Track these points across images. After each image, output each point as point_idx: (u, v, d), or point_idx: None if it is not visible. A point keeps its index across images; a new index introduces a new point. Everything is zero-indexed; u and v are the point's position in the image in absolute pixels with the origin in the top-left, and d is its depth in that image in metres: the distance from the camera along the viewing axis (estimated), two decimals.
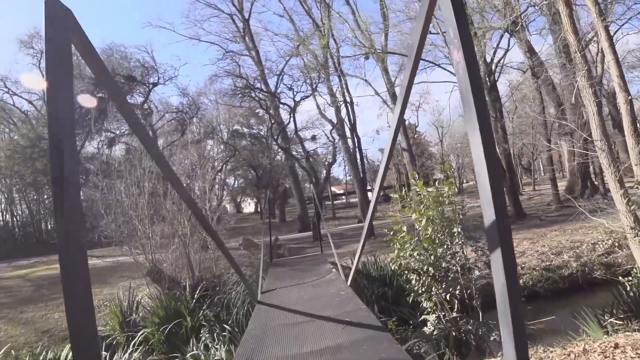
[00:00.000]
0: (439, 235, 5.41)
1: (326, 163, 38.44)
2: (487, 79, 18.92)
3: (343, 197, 57.33)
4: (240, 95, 25.67)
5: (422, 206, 5.46)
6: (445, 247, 5.42)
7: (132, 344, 8.82)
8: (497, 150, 19.38)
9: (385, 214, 35.25)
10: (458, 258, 5.34)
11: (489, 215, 1.40)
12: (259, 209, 48.51)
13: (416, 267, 5.58)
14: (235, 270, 5.17)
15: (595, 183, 21.68)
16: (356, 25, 21.40)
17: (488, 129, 1.39)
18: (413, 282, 5.76)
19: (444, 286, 5.24)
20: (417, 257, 5.57)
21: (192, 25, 36.73)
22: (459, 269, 5.29)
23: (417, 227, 5.63)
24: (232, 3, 26.40)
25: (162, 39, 76.62)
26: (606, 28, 6.71)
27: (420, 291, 5.59)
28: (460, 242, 5.35)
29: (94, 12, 56.69)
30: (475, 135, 1.40)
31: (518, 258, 11.59)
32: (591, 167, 22.24)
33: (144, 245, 10.75)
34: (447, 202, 5.28)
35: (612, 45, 6.68)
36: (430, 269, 5.40)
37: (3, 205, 36.22)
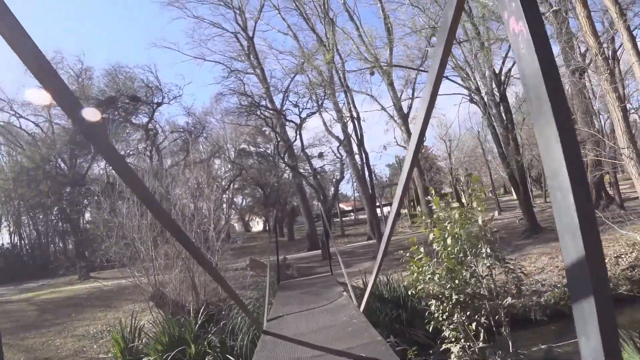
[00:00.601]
0: (464, 257, 4.92)
1: (334, 180, 38.09)
2: (497, 89, 18.53)
3: (351, 213, 56.79)
4: (245, 113, 25.46)
5: (446, 223, 4.92)
6: (471, 269, 4.93)
7: None
8: (510, 163, 18.95)
9: (395, 230, 34.88)
10: (485, 281, 4.85)
11: (569, 227, 1.00)
12: (267, 228, 48.08)
13: (436, 292, 5.08)
14: (236, 302, 4.75)
15: (611, 194, 21.03)
16: (360, 41, 21.21)
17: (567, 122, 1.00)
18: (432, 308, 5.25)
19: (468, 313, 4.76)
20: (438, 281, 5.08)
21: (196, 45, 36.70)
22: (486, 293, 4.80)
23: (436, 247, 5.12)
24: (236, 22, 26.42)
25: (167, 58, 77.38)
26: (628, 28, 6.31)
27: (440, 318, 5.10)
28: (488, 264, 4.84)
29: (99, 35, 57.36)
30: (550, 131, 1.01)
31: (537, 274, 11.04)
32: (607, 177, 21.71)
33: (147, 269, 10.36)
34: (478, 220, 4.72)
35: (635, 47, 6.27)
36: (453, 293, 4.91)
37: (12, 228, 36.17)
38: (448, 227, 4.68)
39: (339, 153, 26.56)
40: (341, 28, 21.60)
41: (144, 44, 64.74)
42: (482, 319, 4.72)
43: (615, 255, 10.84)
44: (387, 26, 21.99)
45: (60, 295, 16.67)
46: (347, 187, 76.46)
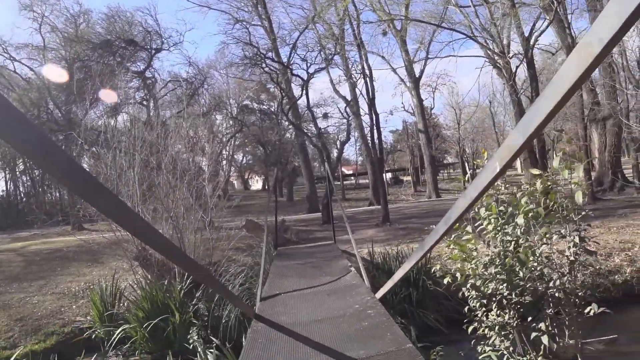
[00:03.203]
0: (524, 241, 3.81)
1: (338, 142, 37.03)
2: (525, 55, 17.16)
3: (352, 177, 56.06)
4: (250, 65, 24.04)
5: (519, 195, 3.64)
6: (542, 261, 3.83)
7: (110, 343, 7.61)
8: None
9: (398, 198, 34.03)
10: (566, 278, 3.72)
11: None
12: (266, 187, 47.41)
13: (489, 291, 3.94)
14: (222, 293, 3.79)
15: (629, 177, 19.80)
16: None
17: None
18: (474, 303, 4.15)
19: (530, 319, 3.68)
20: (497, 276, 3.93)
21: None
22: (562, 296, 3.70)
23: (488, 226, 3.92)
24: None
25: (171, 4, 74.02)
26: None
27: (491, 323, 4.01)
28: (573, 251, 3.62)
29: None
30: None
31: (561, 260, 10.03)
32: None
33: None
34: (578, 195, 3.34)
35: None
36: (513, 294, 3.76)
37: (7, 176, 35.52)
38: (522, 202, 3.48)
39: (346, 113, 25.32)
40: None
41: None
42: (547, 325, 3.63)
43: None
44: None
45: (50, 247, 15.88)
46: (349, 151, 75.51)
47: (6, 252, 15.63)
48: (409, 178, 43.43)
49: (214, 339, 5.73)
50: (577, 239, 3.44)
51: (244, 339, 5.21)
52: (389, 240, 12.41)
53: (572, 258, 3.45)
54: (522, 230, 3.54)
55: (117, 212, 1.44)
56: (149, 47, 26.36)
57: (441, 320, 7.58)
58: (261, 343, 3.42)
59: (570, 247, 3.48)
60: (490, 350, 3.97)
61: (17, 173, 35.61)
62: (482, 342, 4.15)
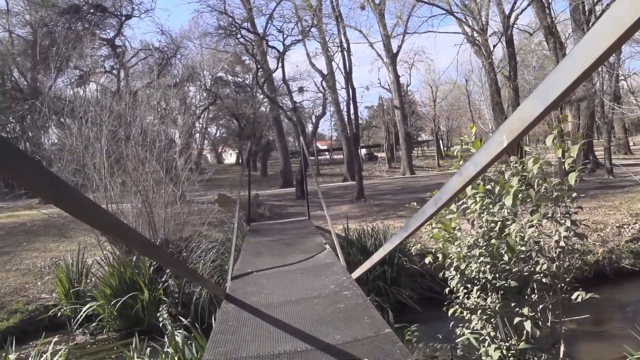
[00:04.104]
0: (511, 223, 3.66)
1: (313, 117, 36.72)
2: (505, 33, 17.06)
3: (327, 153, 55.97)
4: (225, 36, 23.30)
5: (509, 176, 3.41)
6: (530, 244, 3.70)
7: (76, 321, 7.38)
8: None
9: (372, 174, 34.08)
10: (555, 263, 3.58)
11: None
12: (240, 161, 46.91)
13: (473, 274, 3.79)
14: (188, 276, 3.58)
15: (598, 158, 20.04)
16: None
17: None
18: (454, 284, 3.98)
19: (512, 305, 3.54)
20: (482, 258, 3.81)
21: None
22: (548, 281, 3.57)
23: (473, 205, 3.73)
24: None
25: None
26: None
27: (472, 306, 3.88)
28: (565, 234, 3.47)
29: None
30: None
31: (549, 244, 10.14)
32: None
33: (99, 199, 9.08)
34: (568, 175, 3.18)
35: None
36: (498, 278, 3.63)
37: None
38: (513, 183, 3.29)
39: (322, 87, 24.95)
40: None
41: None
42: (529, 311, 3.51)
43: (617, 224, 9.94)
44: None
45: (16, 220, 15.31)
46: (324, 126, 75.14)
47: None
48: (384, 154, 43.50)
49: (182, 319, 5.53)
50: (568, 223, 3.33)
51: (213, 319, 5.06)
52: (363, 216, 12.34)
53: (561, 243, 3.34)
54: (509, 211, 3.42)
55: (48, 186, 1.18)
56: (118, 12, 25.28)
57: (415, 297, 7.57)
58: (231, 326, 3.25)
59: (559, 231, 3.36)
60: (469, 332, 3.88)
61: None
62: (461, 325, 4.06)
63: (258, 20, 23.99)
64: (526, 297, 3.63)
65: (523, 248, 3.54)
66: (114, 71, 26.14)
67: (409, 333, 5.14)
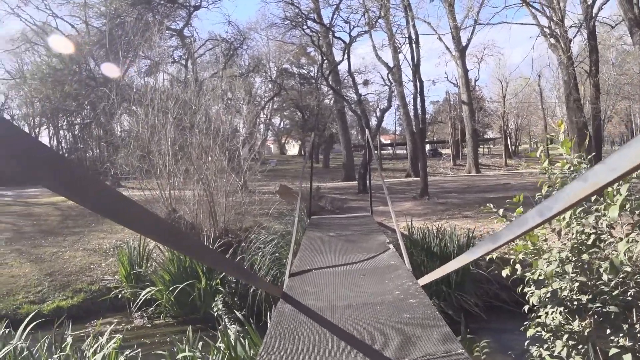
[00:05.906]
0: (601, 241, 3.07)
1: (378, 109, 36.10)
2: (587, 24, 15.79)
3: (390, 147, 55.06)
4: (290, 27, 23.29)
5: (622, 186, 2.80)
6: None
7: (135, 304, 7.44)
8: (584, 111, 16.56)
9: (436, 171, 33.09)
10: None
11: None
12: (302, 152, 47.08)
13: (568, 295, 3.20)
14: (242, 276, 3.34)
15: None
16: None
17: None
18: (534, 299, 3.40)
19: (608, 332, 2.97)
20: (575, 277, 3.21)
21: None
22: None
23: (566, 216, 3.12)
24: None
25: None
26: None
27: (555, 328, 3.28)
28: None
29: None
30: None
31: None
32: None
33: (163, 185, 9.16)
34: None
35: None
36: (595, 302, 3.04)
37: (51, 132, 36.22)
38: (623, 191, 2.70)
39: (388, 80, 24.34)
40: None
41: None
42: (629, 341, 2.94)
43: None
44: None
45: None
46: (387, 120, 73.96)
47: (46, 206, 15.87)
48: (448, 151, 42.19)
49: (237, 313, 5.34)
50: None
51: (268, 317, 4.83)
52: (427, 214, 11.78)
53: None
54: (608, 222, 2.86)
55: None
56: (187, 3, 25.92)
57: (480, 305, 7.04)
58: (287, 329, 2.98)
59: None
60: (547, 355, 3.33)
61: (60, 129, 36.23)
62: (538, 345, 3.52)
63: (324, 11, 23.84)
64: (627, 325, 3.01)
65: (629, 269, 2.94)
66: (182, 61, 26.80)
67: (477, 349, 4.65)
